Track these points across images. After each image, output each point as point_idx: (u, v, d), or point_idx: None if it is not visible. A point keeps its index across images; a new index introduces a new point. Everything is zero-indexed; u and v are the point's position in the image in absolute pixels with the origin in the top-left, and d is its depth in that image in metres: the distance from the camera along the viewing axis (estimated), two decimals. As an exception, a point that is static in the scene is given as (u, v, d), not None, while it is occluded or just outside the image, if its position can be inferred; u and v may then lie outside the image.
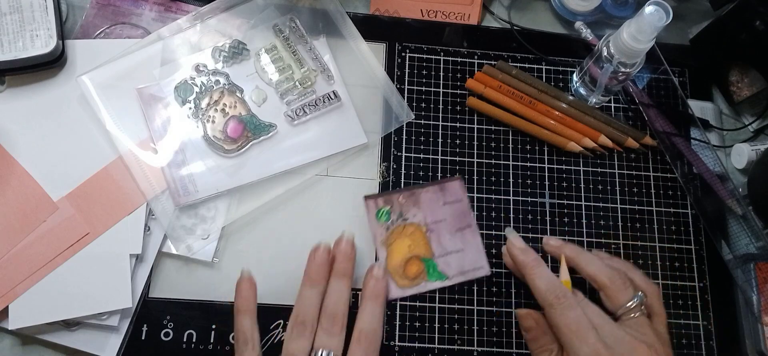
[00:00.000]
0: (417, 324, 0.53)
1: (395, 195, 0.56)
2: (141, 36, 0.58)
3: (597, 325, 0.44)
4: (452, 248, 0.55)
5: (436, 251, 0.54)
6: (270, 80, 0.57)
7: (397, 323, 0.53)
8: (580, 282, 0.49)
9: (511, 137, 0.59)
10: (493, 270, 0.55)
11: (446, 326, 0.53)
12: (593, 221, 0.57)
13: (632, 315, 0.45)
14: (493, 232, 0.56)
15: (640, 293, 0.46)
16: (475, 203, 0.57)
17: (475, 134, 0.59)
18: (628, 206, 0.58)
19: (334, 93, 0.57)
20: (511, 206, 0.57)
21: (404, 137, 0.58)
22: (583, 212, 0.57)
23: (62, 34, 0.55)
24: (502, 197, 0.57)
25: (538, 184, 0.58)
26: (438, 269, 0.54)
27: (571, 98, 0.59)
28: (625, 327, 0.44)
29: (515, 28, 0.63)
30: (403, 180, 0.57)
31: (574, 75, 0.61)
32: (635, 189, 0.58)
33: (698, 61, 0.63)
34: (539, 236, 0.56)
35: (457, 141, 0.58)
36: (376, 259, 0.54)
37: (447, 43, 0.62)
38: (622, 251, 0.56)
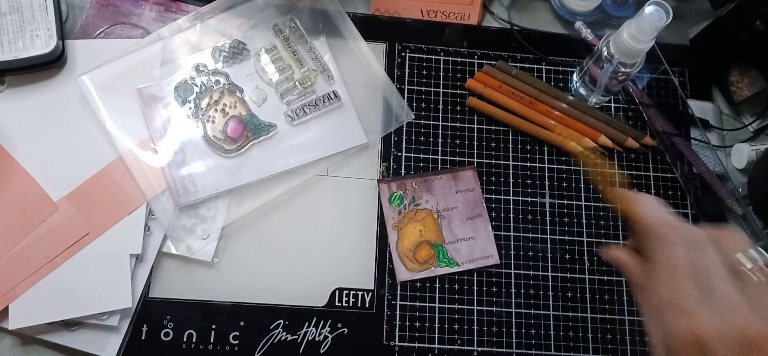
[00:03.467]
0: (417, 324, 0.53)
1: (408, 180, 0.56)
2: (141, 36, 0.58)
3: (699, 271, 0.32)
4: (463, 235, 0.55)
5: (447, 237, 0.55)
6: (270, 80, 0.57)
7: (397, 323, 0.53)
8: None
9: (511, 137, 0.59)
10: (503, 260, 0.55)
11: (446, 326, 0.53)
12: (593, 221, 0.57)
13: (753, 274, 0.32)
14: (494, 232, 0.56)
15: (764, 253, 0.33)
16: (475, 203, 0.57)
17: (475, 134, 0.59)
18: (628, 206, 0.58)
19: (334, 93, 0.57)
20: (511, 206, 0.57)
21: (404, 137, 0.58)
22: (583, 212, 0.57)
23: (62, 34, 0.55)
24: (502, 197, 0.57)
25: (538, 184, 0.58)
26: (448, 255, 0.54)
27: (571, 98, 0.59)
28: (744, 288, 0.32)
29: (515, 28, 0.63)
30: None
31: (574, 75, 0.61)
32: (635, 189, 0.58)
33: (698, 61, 0.63)
34: (539, 236, 0.56)
35: (457, 141, 0.58)
36: (387, 242, 0.54)
37: (447, 43, 0.62)
38: (622, 251, 0.56)
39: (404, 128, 0.58)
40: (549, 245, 0.56)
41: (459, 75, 0.61)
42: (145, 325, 0.51)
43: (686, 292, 0.32)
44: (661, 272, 0.33)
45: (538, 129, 0.58)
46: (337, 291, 0.53)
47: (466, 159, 0.58)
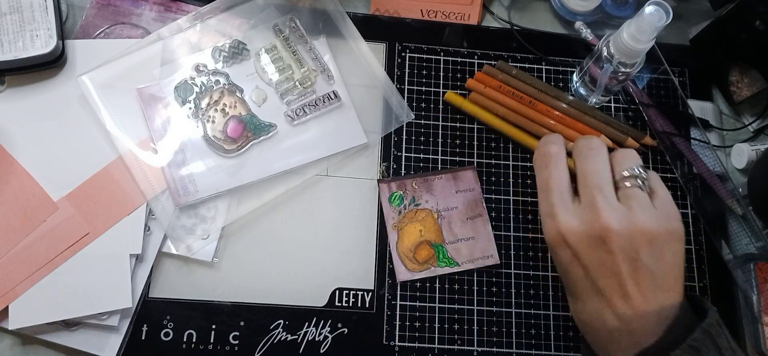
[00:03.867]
0: (417, 324, 0.53)
1: (408, 180, 0.56)
2: (141, 36, 0.58)
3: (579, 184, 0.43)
4: (463, 235, 0.55)
5: (447, 237, 0.55)
6: (270, 80, 0.57)
7: (397, 323, 0.53)
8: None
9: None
10: (503, 260, 0.55)
11: (446, 326, 0.53)
12: (593, 221, 0.57)
13: (625, 184, 0.42)
14: (494, 232, 0.56)
15: (641, 170, 0.43)
16: (475, 203, 0.57)
17: (475, 134, 0.59)
18: (628, 206, 0.58)
19: (334, 93, 0.57)
20: (511, 206, 0.57)
21: (404, 137, 0.58)
22: (583, 212, 0.57)
23: (62, 34, 0.55)
24: (502, 197, 0.57)
25: (538, 184, 0.58)
26: (448, 255, 0.54)
27: (571, 98, 0.59)
28: (621, 197, 0.42)
29: (515, 28, 0.63)
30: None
31: (574, 75, 0.61)
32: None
33: (698, 61, 0.63)
34: (540, 235, 0.56)
35: (457, 141, 0.58)
36: (387, 242, 0.54)
37: (447, 43, 0.62)
38: (622, 251, 0.56)
39: (404, 128, 0.58)
40: (549, 245, 0.56)
41: (459, 75, 0.61)
42: (145, 325, 0.51)
43: (554, 202, 0.42)
44: (540, 192, 0.44)
45: (539, 129, 0.58)
46: (337, 291, 0.53)
47: (466, 159, 0.58)
